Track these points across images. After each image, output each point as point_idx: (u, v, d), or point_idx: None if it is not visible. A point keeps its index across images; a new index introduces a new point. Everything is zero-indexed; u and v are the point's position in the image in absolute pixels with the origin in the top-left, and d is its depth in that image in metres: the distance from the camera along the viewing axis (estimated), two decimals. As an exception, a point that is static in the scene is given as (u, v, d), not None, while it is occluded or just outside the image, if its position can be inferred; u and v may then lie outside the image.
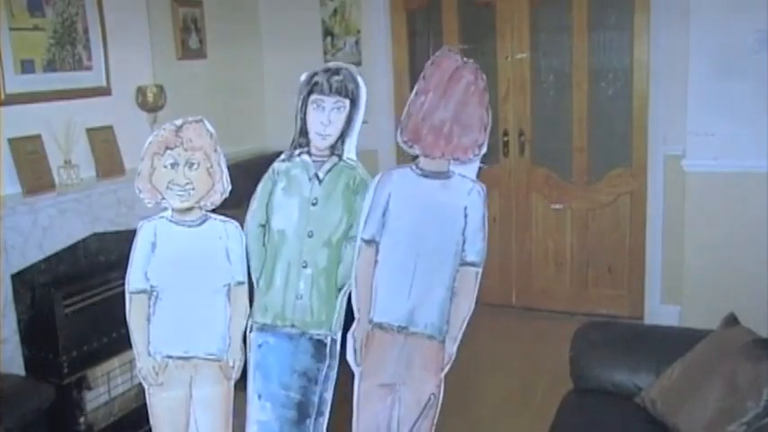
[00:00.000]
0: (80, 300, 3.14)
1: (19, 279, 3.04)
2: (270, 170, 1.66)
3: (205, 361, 1.58)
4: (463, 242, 1.59)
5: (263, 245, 1.63)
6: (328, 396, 1.62)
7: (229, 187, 1.58)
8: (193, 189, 1.54)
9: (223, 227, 1.58)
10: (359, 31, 5.03)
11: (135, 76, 3.80)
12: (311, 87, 1.62)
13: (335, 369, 1.63)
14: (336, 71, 1.62)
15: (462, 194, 1.60)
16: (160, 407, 1.60)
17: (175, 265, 1.56)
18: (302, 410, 1.60)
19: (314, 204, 1.61)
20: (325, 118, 1.61)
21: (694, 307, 3.79)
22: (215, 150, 1.55)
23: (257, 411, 1.60)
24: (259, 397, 1.60)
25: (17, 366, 3.02)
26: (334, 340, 1.61)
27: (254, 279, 1.64)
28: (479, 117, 1.57)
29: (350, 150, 1.67)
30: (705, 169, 3.75)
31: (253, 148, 4.88)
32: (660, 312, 4.37)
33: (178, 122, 1.53)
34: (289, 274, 1.60)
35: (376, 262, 1.58)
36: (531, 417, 3.38)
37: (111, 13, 3.67)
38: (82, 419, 3.19)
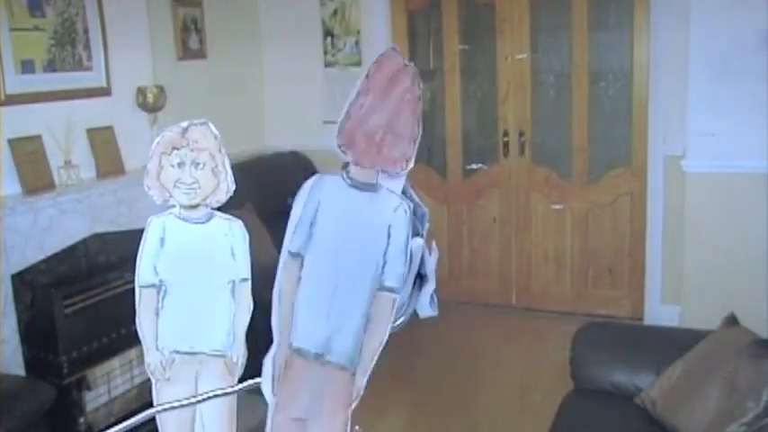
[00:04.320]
0: (80, 300, 3.14)
1: (19, 279, 3.04)
2: None
3: (211, 357, 1.61)
4: (383, 264, 1.48)
5: None
6: None
7: (233, 186, 1.62)
8: (199, 188, 1.59)
9: (228, 225, 1.62)
10: (359, 32, 5.03)
11: (135, 76, 3.81)
12: None
13: None
14: None
15: (388, 211, 1.49)
16: (167, 402, 1.64)
17: (183, 260, 1.60)
18: None
19: None
20: None
21: (694, 307, 3.79)
22: (219, 151, 1.60)
23: None
24: None
25: (17, 366, 3.02)
26: None
27: None
28: (411, 128, 1.47)
29: None
30: (705, 170, 3.75)
31: (252, 148, 4.88)
32: (660, 313, 4.37)
33: (184, 124, 1.59)
34: None
35: (299, 279, 1.48)
36: (531, 417, 3.38)
37: (111, 14, 3.68)
38: (82, 420, 3.19)
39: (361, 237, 1.50)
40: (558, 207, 4.76)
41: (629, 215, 4.60)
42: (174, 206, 1.62)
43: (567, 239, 4.77)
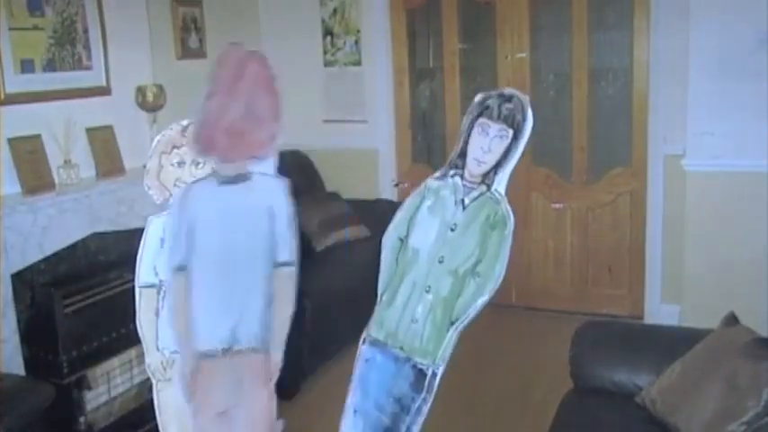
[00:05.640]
0: (80, 299, 3.14)
1: (19, 279, 3.04)
2: (422, 185, 1.65)
3: None
4: (274, 244, 1.53)
5: (396, 260, 1.61)
6: (416, 430, 1.59)
7: None
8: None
9: None
10: (359, 31, 5.03)
11: (135, 75, 3.80)
12: (482, 110, 1.59)
13: (429, 404, 1.59)
14: (509, 98, 1.59)
15: (265, 193, 1.54)
16: (167, 403, 1.62)
17: None
18: None
19: (452, 230, 1.59)
20: (486, 144, 1.60)
21: (694, 306, 3.79)
22: None
23: (350, 427, 1.59)
24: (354, 412, 1.59)
25: (17, 366, 3.01)
26: (434, 373, 1.58)
27: (379, 292, 1.62)
28: (270, 107, 1.51)
29: (500, 182, 1.69)
30: (705, 169, 3.74)
31: (252, 147, 4.87)
32: (660, 312, 4.37)
33: (184, 123, 1.57)
34: (411, 296, 1.57)
35: (190, 288, 1.51)
36: (531, 416, 3.38)
37: (110, 13, 3.67)
38: (82, 419, 3.19)
39: (244, 225, 1.52)
40: (557, 206, 4.76)
41: (629, 214, 4.60)
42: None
43: (567, 239, 4.77)
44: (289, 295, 1.54)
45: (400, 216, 1.62)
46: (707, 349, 2.40)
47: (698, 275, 3.81)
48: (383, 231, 1.65)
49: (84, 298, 3.16)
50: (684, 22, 3.76)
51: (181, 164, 1.57)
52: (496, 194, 1.67)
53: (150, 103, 3.77)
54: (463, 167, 1.63)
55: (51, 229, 3.13)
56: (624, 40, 4.51)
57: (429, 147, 5.24)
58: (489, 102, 1.59)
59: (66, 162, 3.37)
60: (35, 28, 3.35)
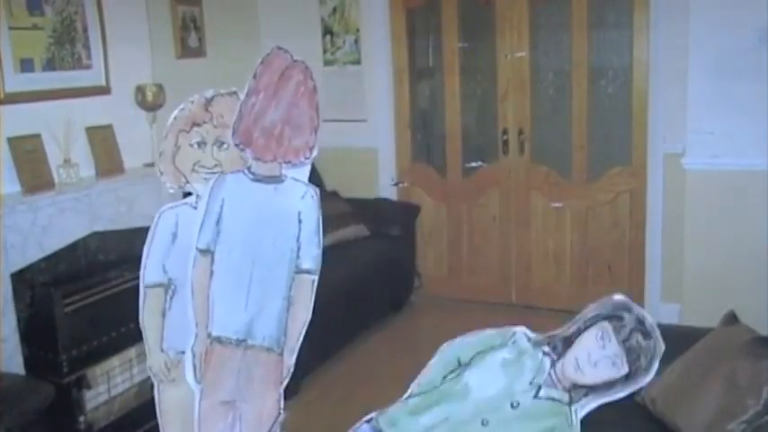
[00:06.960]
0: (80, 299, 3.14)
1: (18, 278, 3.04)
2: (512, 330, 1.59)
3: None
4: (298, 249, 1.52)
5: (444, 378, 1.59)
6: None
7: None
8: (222, 172, 1.40)
9: None
10: (358, 30, 5.03)
11: (134, 74, 3.80)
12: (613, 316, 1.53)
13: None
14: (648, 333, 1.55)
15: (295, 199, 1.53)
16: (170, 403, 1.57)
17: None
18: None
19: (513, 407, 1.51)
20: (596, 356, 1.52)
21: (694, 305, 3.79)
22: None
23: None
24: None
25: (17, 365, 3.02)
26: None
27: (410, 388, 1.59)
28: (310, 118, 1.51)
29: (584, 408, 1.60)
30: (705, 167, 3.74)
31: (252, 146, 4.87)
32: (660, 310, 4.37)
33: (208, 95, 1.40)
34: (435, 427, 1.53)
35: (212, 273, 1.50)
36: (531, 415, 3.37)
37: (110, 12, 3.67)
38: (81, 419, 3.18)
39: (272, 225, 1.51)
40: (557, 205, 4.76)
41: (629, 213, 4.59)
42: (190, 194, 1.48)
43: (567, 237, 4.77)
44: (307, 302, 1.54)
45: (472, 341, 1.58)
46: (707, 348, 2.40)
47: (698, 274, 3.80)
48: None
49: (84, 297, 3.16)
50: (684, 21, 3.75)
51: (201, 144, 1.38)
52: (573, 417, 1.54)
53: (150, 102, 3.78)
54: (559, 356, 1.51)
55: (51, 228, 3.13)
56: (624, 38, 4.51)
57: (429, 146, 5.24)
58: (626, 315, 1.50)
59: (65, 161, 3.37)
60: (35, 27, 3.34)
